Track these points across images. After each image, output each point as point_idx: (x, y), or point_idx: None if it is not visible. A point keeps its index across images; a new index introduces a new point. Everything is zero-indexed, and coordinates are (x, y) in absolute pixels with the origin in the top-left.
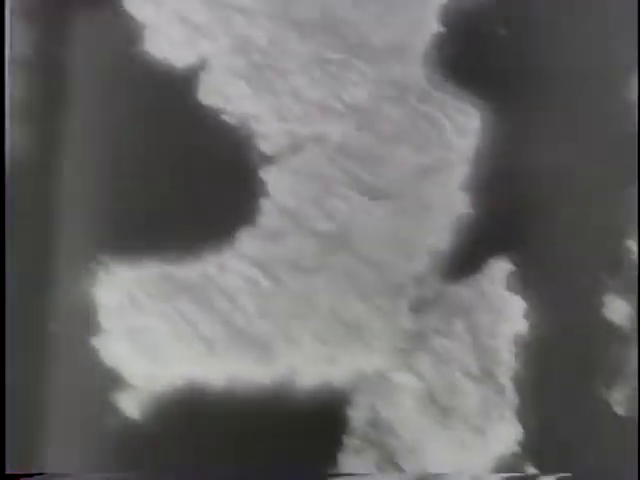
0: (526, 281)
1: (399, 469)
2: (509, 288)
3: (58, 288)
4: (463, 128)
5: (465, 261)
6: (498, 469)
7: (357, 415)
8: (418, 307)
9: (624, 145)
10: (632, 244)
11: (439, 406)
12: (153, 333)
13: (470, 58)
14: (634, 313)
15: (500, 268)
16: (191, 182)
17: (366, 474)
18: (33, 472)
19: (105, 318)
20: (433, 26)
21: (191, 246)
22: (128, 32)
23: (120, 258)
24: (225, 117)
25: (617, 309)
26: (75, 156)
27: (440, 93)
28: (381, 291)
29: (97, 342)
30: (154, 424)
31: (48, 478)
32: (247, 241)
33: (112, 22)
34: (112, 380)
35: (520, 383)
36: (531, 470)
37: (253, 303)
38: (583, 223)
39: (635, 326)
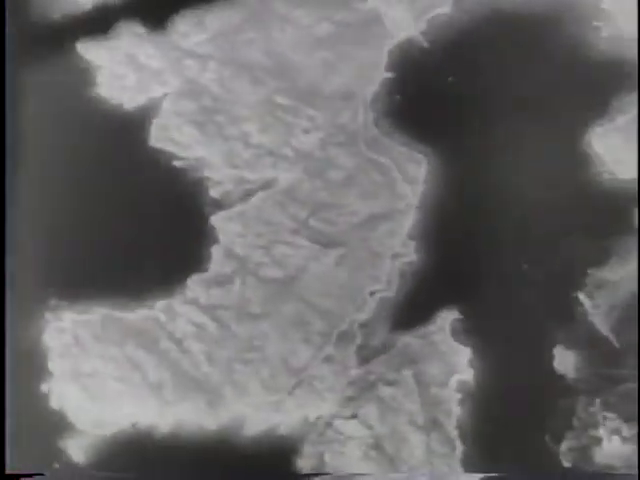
0: (474, 331)
1: None
2: (456, 338)
3: (8, 334)
4: (411, 176)
5: (414, 310)
6: None
7: (304, 464)
8: (366, 356)
9: (575, 196)
10: (582, 296)
11: (386, 456)
12: (101, 377)
13: (418, 105)
14: (583, 365)
15: (448, 318)
16: (142, 227)
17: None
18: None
19: (54, 363)
20: (382, 72)
21: (141, 291)
22: (81, 75)
23: (69, 303)
24: (176, 162)
25: (566, 361)
26: (25, 201)
27: (389, 140)
28: (329, 339)
29: (46, 387)
30: (100, 469)
31: (49, 478)
32: (196, 287)
33: (65, 65)
34: (60, 425)
35: (466, 433)
36: None
37: (201, 349)
38: (533, 274)
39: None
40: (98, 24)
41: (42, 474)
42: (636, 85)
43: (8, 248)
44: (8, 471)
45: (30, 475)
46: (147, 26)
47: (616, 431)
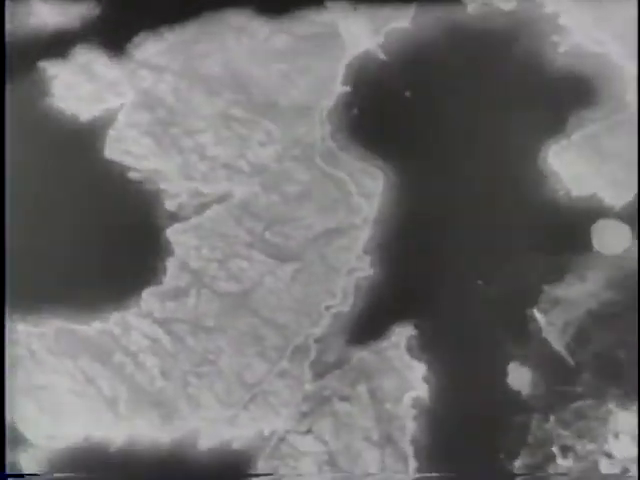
0: (429, 347)
1: None
2: (411, 354)
3: None
4: (367, 190)
5: (369, 325)
6: None
7: (258, 479)
8: (321, 371)
9: (531, 213)
10: (537, 313)
11: (340, 471)
12: (55, 391)
13: (375, 119)
14: (538, 381)
15: (403, 333)
16: (97, 239)
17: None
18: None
19: (7, 375)
20: (338, 86)
21: (95, 304)
22: (36, 86)
23: (22, 315)
24: (131, 174)
25: (521, 378)
26: None
27: (345, 154)
28: (284, 354)
29: None
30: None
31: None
32: (151, 300)
33: (20, 75)
34: (12, 438)
35: (420, 449)
36: None
37: (155, 363)
38: (488, 290)
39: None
40: (58, 45)
41: (36, 474)
42: (597, 100)
43: None
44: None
45: (22, 475)
46: (106, 45)
47: (570, 448)
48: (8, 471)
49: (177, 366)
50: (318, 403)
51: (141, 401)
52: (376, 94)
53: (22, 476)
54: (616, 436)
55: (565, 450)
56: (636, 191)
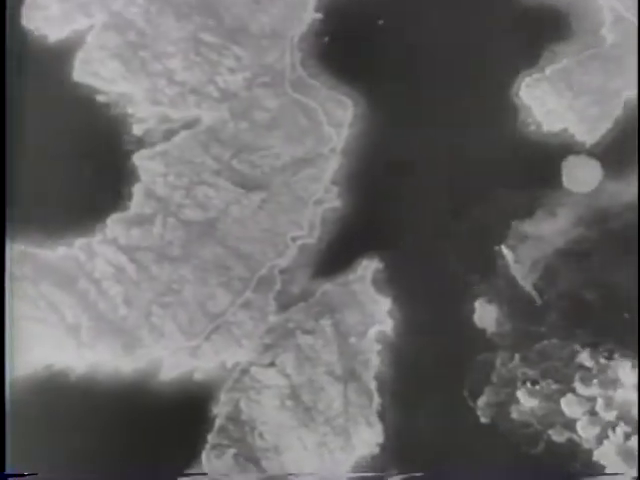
0: (395, 281)
1: (259, 468)
2: (377, 288)
3: None
4: (337, 119)
5: (335, 258)
6: (357, 470)
7: (219, 411)
8: (285, 303)
9: (502, 146)
10: (504, 249)
11: (302, 406)
12: (15, 317)
13: (346, 47)
14: (503, 320)
15: (369, 267)
16: (63, 162)
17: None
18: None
19: None
20: (310, 13)
21: (59, 228)
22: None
23: None
24: (99, 97)
25: (487, 315)
26: None
27: (316, 82)
28: (249, 284)
29: None
30: (11, 407)
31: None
32: (116, 227)
33: None
34: None
35: (384, 384)
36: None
37: (119, 291)
38: (456, 225)
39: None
40: None
41: (35, 474)
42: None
43: None
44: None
45: (22, 475)
46: None
47: (533, 388)
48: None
49: (141, 295)
50: (282, 336)
51: (103, 329)
52: (348, 22)
53: (23, 476)
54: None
55: (528, 390)
56: (608, 126)
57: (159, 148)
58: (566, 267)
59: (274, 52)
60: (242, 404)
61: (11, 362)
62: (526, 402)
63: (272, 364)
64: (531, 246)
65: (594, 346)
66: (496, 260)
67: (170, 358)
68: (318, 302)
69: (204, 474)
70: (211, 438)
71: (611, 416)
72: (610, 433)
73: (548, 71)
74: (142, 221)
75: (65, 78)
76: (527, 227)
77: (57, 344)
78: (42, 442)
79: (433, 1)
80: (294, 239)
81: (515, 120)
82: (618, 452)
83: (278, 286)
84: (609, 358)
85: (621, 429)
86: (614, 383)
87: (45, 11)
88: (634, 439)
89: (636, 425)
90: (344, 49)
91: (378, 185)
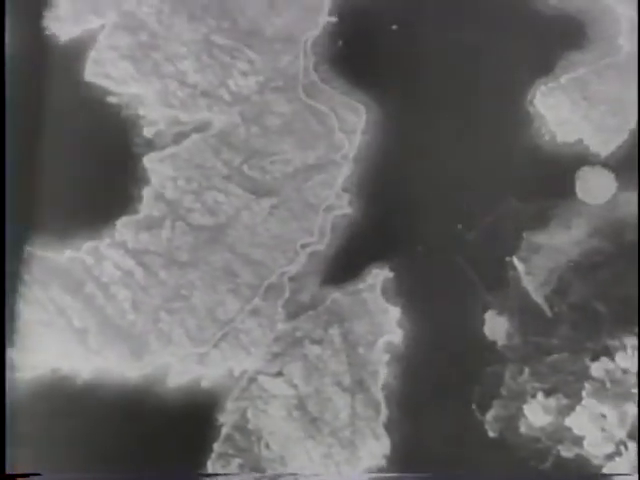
0: (404, 291)
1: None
2: (386, 297)
3: None
4: (350, 125)
5: (344, 266)
6: None
7: (226, 419)
8: (294, 311)
9: (515, 156)
10: (516, 261)
11: (309, 416)
12: (22, 320)
13: (360, 52)
14: (514, 332)
15: (379, 276)
16: (73, 164)
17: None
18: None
19: None
20: (324, 17)
21: (68, 231)
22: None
23: None
24: (110, 98)
25: (497, 327)
26: None
27: (328, 87)
28: (257, 291)
29: None
30: (15, 411)
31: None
32: (125, 230)
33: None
34: None
35: (392, 395)
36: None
37: (127, 295)
38: (468, 235)
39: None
40: None
41: (39, 474)
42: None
43: None
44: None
45: (27, 475)
46: None
47: (543, 402)
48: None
49: (149, 300)
50: (290, 345)
51: (111, 334)
52: (362, 26)
53: (23, 475)
54: None
55: (537, 404)
56: (624, 137)
57: (169, 151)
58: (579, 279)
59: (287, 56)
60: (249, 413)
61: (17, 365)
62: (535, 416)
63: (280, 373)
64: (544, 257)
65: (606, 359)
66: (508, 271)
67: (177, 365)
68: (327, 311)
69: (205, 475)
70: (217, 447)
71: (622, 433)
72: (622, 449)
73: (563, 80)
74: (151, 225)
75: (76, 79)
76: (540, 238)
77: (64, 348)
78: (47, 446)
79: (447, 8)
80: (304, 246)
81: (529, 129)
82: (631, 470)
83: (287, 294)
84: (623, 372)
85: (633, 446)
86: (626, 398)
87: (56, 10)
88: None
89: None
90: (357, 54)
91: (389, 193)
